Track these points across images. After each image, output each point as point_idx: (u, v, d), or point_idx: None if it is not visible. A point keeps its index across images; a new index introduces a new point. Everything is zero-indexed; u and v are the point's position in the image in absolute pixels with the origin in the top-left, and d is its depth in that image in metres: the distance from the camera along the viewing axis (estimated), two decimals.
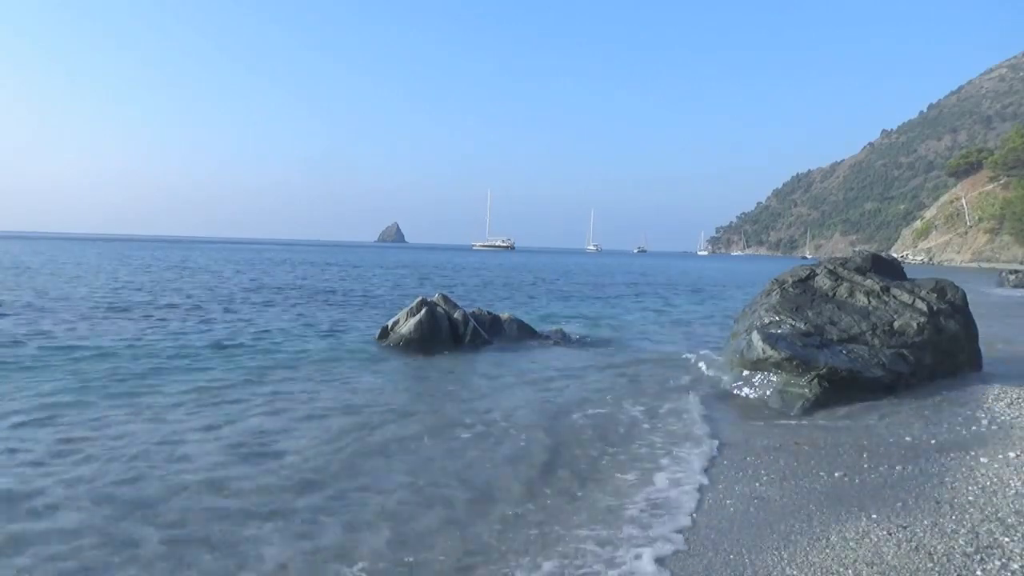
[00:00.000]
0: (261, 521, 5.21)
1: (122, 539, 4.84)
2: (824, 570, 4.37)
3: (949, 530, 4.86)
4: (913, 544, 4.65)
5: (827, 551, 4.65)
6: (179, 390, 9.39)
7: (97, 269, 39.00)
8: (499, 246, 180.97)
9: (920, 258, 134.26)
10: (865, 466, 6.72)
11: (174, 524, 5.11)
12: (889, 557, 4.47)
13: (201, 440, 7.20)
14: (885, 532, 4.89)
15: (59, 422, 7.64)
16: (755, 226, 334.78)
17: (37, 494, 5.55)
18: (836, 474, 6.49)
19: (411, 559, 4.67)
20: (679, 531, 5.20)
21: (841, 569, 4.35)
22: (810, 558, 4.57)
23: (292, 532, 5.06)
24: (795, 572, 4.38)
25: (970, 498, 5.50)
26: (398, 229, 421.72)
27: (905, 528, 4.94)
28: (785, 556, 4.65)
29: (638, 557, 4.74)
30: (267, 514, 5.34)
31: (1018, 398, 9.08)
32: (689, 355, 13.37)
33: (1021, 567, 4.19)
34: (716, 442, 7.58)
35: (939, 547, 4.58)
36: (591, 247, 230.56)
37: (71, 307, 18.92)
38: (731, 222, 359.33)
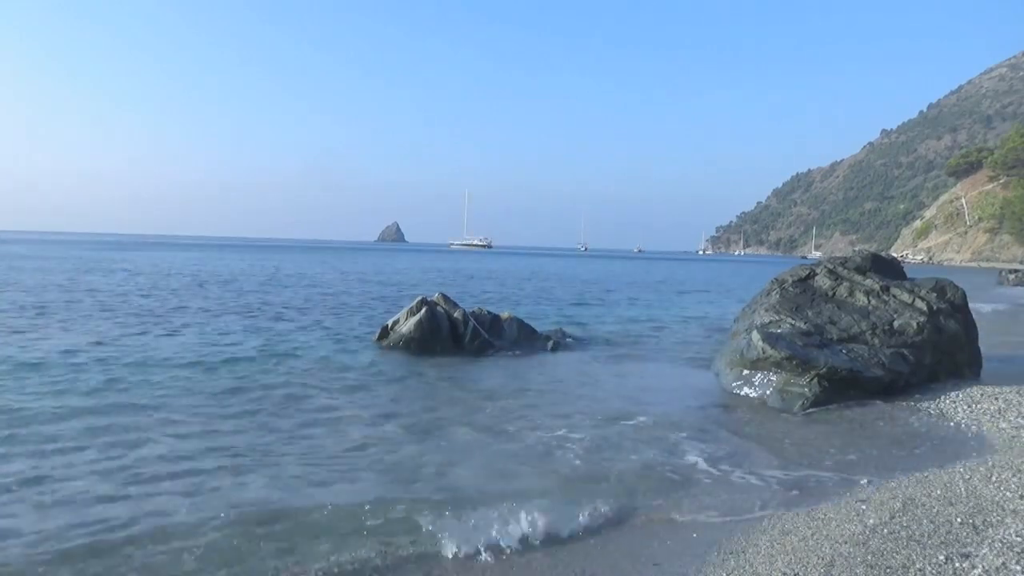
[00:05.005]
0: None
1: None
2: (823, 571, 4.37)
3: (949, 529, 4.87)
4: (913, 543, 4.65)
5: (826, 548, 4.66)
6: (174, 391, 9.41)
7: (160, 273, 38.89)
8: (476, 245, 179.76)
9: (920, 258, 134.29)
10: (865, 465, 6.73)
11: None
12: (889, 556, 4.48)
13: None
14: (886, 531, 4.89)
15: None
16: (755, 226, 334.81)
17: None
18: (835, 472, 6.50)
19: None
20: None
21: (842, 571, 4.36)
22: (810, 558, 4.57)
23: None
24: (797, 570, 4.39)
25: (970, 498, 5.51)
26: (398, 229, 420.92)
27: (905, 527, 4.95)
28: (782, 555, 4.66)
29: None
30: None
31: (1017, 398, 9.09)
32: (687, 355, 13.40)
33: (1021, 568, 4.20)
34: (719, 441, 7.59)
35: (939, 546, 4.59)
36: (580, 247, 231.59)
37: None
38: (731, 222, 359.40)
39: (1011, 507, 5.21)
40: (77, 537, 4.84)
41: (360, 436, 7.53)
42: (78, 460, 6.42)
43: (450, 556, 4.75)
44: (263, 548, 4.76)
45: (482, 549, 4.84)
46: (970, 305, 11.56)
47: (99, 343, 12.81)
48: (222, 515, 5.25)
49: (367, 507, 5.41)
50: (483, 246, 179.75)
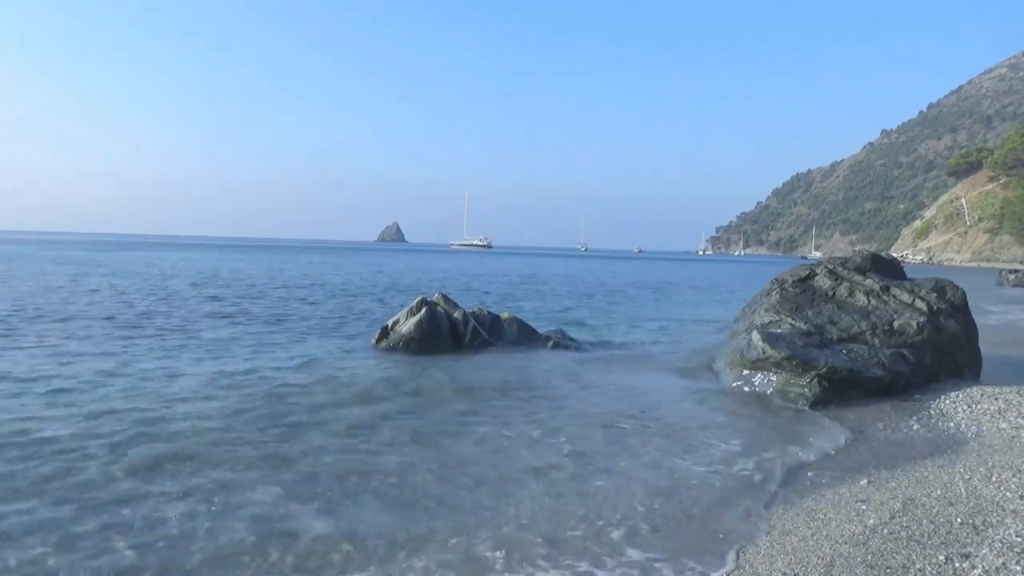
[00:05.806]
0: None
1: None
2: (823, 571, 4.37)
3: (949, 529, 4.87)
4: (913, 543, 4.66)
5: (826, 548, 4.66)
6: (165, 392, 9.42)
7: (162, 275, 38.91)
8: (476, 245, 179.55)
9: (920, 258, 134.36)
10: (865, 465, 6.73)
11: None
12: (889, 556, 4.48)
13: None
14: (886, 531, 4.89)
15: None
16: (755, 226, 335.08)
17: None
18: (835, 473, 6.50)
19: None
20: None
21: (842, 571, 4.36)
22: (810, 558, 4.57)
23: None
24: (796, 570, 4.39)
25: (970, 498, 5.51)
26: (398, 229, 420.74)
27: (905, 528, 4.95)
28: (782, 555, 4.66)
29: None
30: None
31: (1017, 398, 9.09)
32: (687, 355, 13.39)
33: (1021, 568, 4.20)
34: (718, 441, 7.59)
35: (939, 546, 4.59)
36: (580, 247, 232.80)
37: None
38: (731, 222, 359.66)
39: (1011, 507, 5.21)
40: None
41: (357, 444, 7.52)
42: None
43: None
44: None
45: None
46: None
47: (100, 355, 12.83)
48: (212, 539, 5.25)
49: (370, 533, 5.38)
50: (483, 246, 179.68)
